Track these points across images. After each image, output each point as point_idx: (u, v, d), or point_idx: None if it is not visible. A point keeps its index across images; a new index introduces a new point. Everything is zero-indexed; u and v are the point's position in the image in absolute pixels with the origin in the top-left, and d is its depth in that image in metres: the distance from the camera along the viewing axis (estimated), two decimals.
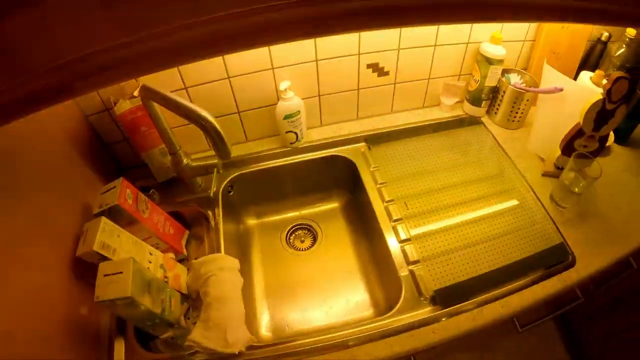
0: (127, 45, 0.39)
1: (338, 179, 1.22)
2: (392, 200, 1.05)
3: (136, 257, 0.81)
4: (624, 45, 1.15)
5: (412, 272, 0.91)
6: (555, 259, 0.93)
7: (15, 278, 0.65)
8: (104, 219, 0.79)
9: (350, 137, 1.20)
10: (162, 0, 0.36)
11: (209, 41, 0.42)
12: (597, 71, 1.05)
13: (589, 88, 1.03)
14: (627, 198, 1.06)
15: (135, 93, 0.84)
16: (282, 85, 1.02)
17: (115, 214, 0.83)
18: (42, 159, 0.81)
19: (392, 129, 1.23)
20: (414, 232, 0.99)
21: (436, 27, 1.09)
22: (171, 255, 0.95)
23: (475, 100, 1.24)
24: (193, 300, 0.90)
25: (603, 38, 1.20)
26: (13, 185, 0.71)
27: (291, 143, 1.15)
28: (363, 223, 1.17)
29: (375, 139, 1.21)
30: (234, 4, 0.37)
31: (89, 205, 0.86)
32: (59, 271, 0.76)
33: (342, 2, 0.41)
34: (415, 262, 0.92)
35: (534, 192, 1.07)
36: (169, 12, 0.37)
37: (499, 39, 1.11)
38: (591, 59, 1.25)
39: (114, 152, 1.08)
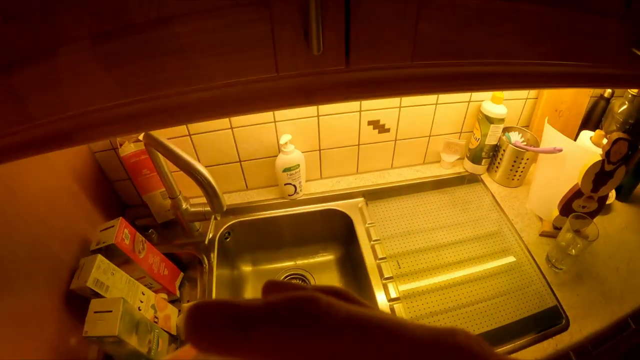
0: (127, 105, 0.48)
1: (335, 232, 1.28)
2: (384, 258, 1.10)
3: (128, 295, 0.88)
4: (626, 102, 1.20)
5: None
6: (547, 322, 0.95)
7: (6, 303, 0.71)
8: (99, 256, 0.87)
9: (349, 191, 1.27)
10: (158, 68, 0.44)
11: (199, 106, 0.51)
12: (597, 131, 1.09)
13: (588, 149, 1.08)
14: (627, 257, 1.09)
15: (140, 137, 0.94)
16: (283, 139, 1.11)
17: (112, 253, 0.90)
18: (45, 189, 0.89)
19: (391, 185, 1.30)
20: (405, 289, 1.03)
21: None
22: (163, 295, 1.01)
23: (475, 158, 1.30)
24: (182, 342, 0.95)
25: (606, 94, 1.27)
26: (13, 212, 0.77)
27: (289, 195, 1.22)
28: (356, 278, 1.21)
29: (373, 195, 1.27)
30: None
31: (88, 239, 0.94)
32: (52, 301, 0.82)
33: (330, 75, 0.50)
34: None
35: (530, 253, 1.10)
36: (167, 80, 0.46)
37: (500, 98, 1.18)
38: (594, 116, 1.30)
39: (118, 189, 1.17)
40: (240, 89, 0.49)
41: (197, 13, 0.41)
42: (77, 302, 0.84)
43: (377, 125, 1.21)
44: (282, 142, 1.11)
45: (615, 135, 0.95)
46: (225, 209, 0.97)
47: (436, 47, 0.49)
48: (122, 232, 0.93)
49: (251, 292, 1.23)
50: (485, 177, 1.33)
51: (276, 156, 1.16)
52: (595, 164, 0.98)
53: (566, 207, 1.07)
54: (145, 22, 0.41)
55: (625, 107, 1.21)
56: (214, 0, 0.41)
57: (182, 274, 1.10)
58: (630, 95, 1.20)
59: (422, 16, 0.46)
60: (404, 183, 1.31)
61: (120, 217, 0.95)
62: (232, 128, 1.10)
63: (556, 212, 1.11)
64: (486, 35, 0.49)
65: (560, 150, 1.07)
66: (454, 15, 0.47)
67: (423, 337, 0.15)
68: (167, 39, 0.42)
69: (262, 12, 0.42)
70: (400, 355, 0.14)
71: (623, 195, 1.25)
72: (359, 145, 1.25)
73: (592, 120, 1.31)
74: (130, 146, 1.02)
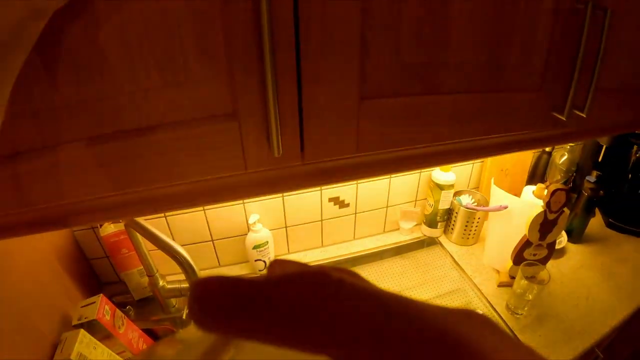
0: (117, 195, 0.57)
1: None
2: None
3: None
4: (566, 153, 1.42)
5: None
6: None
7: None
8: (82, 331, 0.96)
9: (315, 264, 1.39)
10: (145, 167, 0.53)
11: (178, 198, 0.61)
12: (538, 185, 1.26)
13: (531, 202, 1.24)
14: (585, 293, 1.23)
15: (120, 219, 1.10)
16: (252, 219, 1.26)
17: (93, 328, 1.00)
18: (29, 264, 0.96)
19: (355, 254, 1.46)
20: None
21: None
22: None
23: (431, 223, 1.48)
24: None
25: (547, 149, 1.48)
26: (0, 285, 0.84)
27: (260, 270, 1.35)
28: None
29: (338, 265, 1.39)
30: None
31: (68, 315, 1.02)
32: None
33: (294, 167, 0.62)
34: None
35: (490, 304, 1.23)
36: (151, 177, 0.55)
37: (448, 166, 1.38)
38: (539, 169, 1.51)
39: (95, 267, 1.27)
40: (213, 183, 0.59)
41: (179, 123, 0.51)
42: None
43: (337, 201, 1.39)
44: (251, 221, 1.26)
45: (553, 186, 1.12)
46: None
47: (376, 140, 0.61)
48: (103, 308, 1.03)
49: None
50: (443, 239, 1.50)
51: (246, 234, 1.31)
52: (538, 215, 1.14)
53: (518, 257, 1.22)
54: (134, 129, 0.50)
55: (565, 157, 1.44)
56: (193, 113, 0.51)
57: None
58: (568, 146, 1.42)
59: (362, 117, 0.58)
60: (367, 252, 1.46)
61: (101, 294, 1.05)
62: (204, 210, 1.25)
63: (510, 263, 1.25)
64: (418, 126, 0.63)
65: (506, 207, 1.24)
66: (388, 115, 0.60)
67: (440, 311, 0.16)
68: (153, 143, 0.51)
69: (232, 123, 0.53)
70: (419, 329, 0.14)
71: (574, 237, 1.42)
72: (322, 220, 1.42)
73: (537, 173, 1.52)
74: (111, 227, 1.16)
